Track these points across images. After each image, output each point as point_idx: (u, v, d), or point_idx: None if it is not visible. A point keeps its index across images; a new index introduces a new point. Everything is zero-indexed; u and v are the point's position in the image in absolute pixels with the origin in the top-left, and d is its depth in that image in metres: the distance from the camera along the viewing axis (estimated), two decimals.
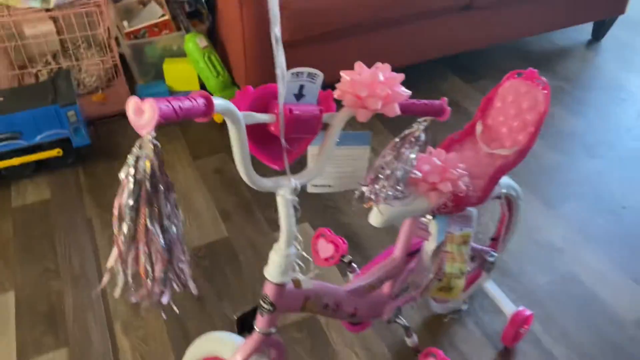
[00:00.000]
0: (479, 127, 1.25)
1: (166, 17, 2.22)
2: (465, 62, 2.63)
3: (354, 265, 1.23)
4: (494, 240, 1.51)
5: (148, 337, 1.44)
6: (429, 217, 1.13)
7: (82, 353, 1.41)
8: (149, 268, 0.64)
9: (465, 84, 2.50)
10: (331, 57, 2.11)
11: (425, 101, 0.94)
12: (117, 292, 0.64)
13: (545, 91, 1.19)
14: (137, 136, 0.59)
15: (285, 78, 0.76)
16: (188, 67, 2.23)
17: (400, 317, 1.21)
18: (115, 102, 2.31)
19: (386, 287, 1.20)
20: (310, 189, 1.02)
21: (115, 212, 0.61)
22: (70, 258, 1.67)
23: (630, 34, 2.88)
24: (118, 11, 2.23)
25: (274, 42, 0.73)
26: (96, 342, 1.43)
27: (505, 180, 1.34)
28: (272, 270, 0.88)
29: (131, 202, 0.59)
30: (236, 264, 1.63)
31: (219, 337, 1.02)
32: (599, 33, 2.82)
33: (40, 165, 1.96)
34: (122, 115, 2.25)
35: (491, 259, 1.37)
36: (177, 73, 2.26)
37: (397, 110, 0.87)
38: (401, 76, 0.89)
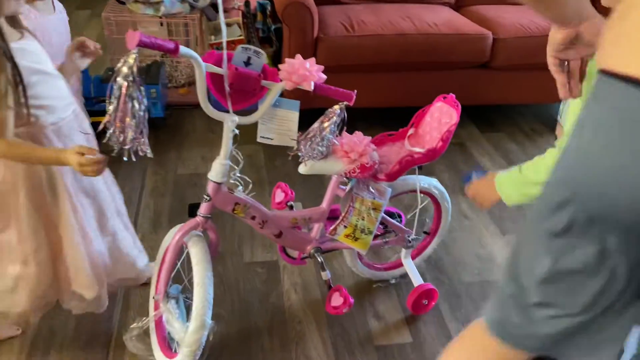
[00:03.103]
0: (410, 131, 1.67)
1: (242, 37, 2.86)
2: (487, 114, 3.00)
3: (294, 209, 1.68)
4: (427, 234, 1.88)
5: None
6: (346, 180, 1.56)
7: None
8: (124, 128, 1.17)
9: (480, 133, 2.86)
10: (357, 86, 2.58)
11: (337, 88, 1.40)
12: (106, 139, 1.17)
13: (458, 111, 1.59)
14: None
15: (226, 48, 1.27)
16: None
17: (319, 254, 1.62)
18: (194, 96, 2.92)
19: (313, 231, 1.63)
20: (258, 139, 1.49)
21: (110, 92, 1.14)
22: (123, 189, 2.24)
23: None
24: (208, 27, 2.91)
25: (223, 30, 1.25)
26: None
27: (427, 179, 1.73)
28: (212, 172, 1.37)
29: (120, 83, 1.12)
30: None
31: (178, 226, 1.50)
32: None
33: None
34: (195, 106, 2.90)
35: (409, 238, 1.75)
36: None
37: (311, 87, 1.35)
38: (320, 67, 1.36)
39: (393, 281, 1.88)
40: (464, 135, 2.83)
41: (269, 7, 2.89)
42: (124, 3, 2.69)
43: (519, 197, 1.26)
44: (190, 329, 1.33)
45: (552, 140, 2.83)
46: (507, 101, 2.89)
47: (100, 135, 1.29)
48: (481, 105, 2.95)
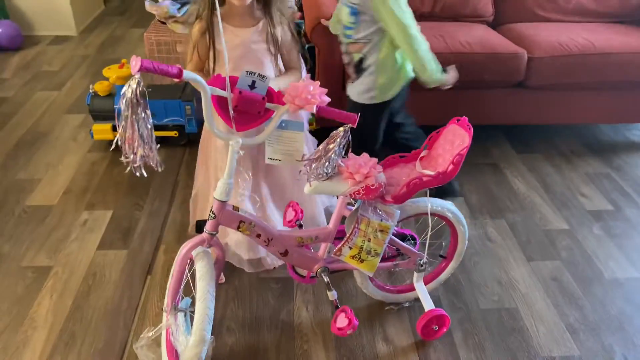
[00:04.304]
0: (423, 153, 1.66)
1: None
2: (523, 133, 2.91)
3: (303, 228, 1.69)
4: (443, 258, 1.85)
5: None
6: (353, 201, 1.56)
7: (134, 256, 2.06)
8: (133, 146, 1.23)
9: (516, 153, 2.78)
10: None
11: (341, 111, 1.41)
12: (123, 159, 1.24)
13: (470, 134, 1.57)
14: None
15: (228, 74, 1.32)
16: None
17: (325, 275, 1.63)
18: None
19: (321, 250, 1.65)
20: (267, 161, 1.52)
21: (117, 114, 1.21)
22: (153, 202, 2.36)
23: None
24: None
25: (225, 56, 1.30)
26: (145, 252, 2.07)
27: (440, 201, 1.71)
28: (217, 191, 1.42)
29: (126, 105, 1.19)
30: None
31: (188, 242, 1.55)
32: None
33: (162, 140, 2.73)
34: None
35: (421, 262, 1.72)
36: None
37: (313, 110, 1.37)
38: (324, 90, 1.39)
39: (407, 304, 1.85)
40: (497, 155, 2.76)
41: (304, 27, 2.95)
42: (164, 23, 2.82)
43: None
44: (189, 343, 1.37)
45: (592, 163, 2.71)
46: (544, 121, 2.79)
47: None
48: (517, 125, 2.87)
